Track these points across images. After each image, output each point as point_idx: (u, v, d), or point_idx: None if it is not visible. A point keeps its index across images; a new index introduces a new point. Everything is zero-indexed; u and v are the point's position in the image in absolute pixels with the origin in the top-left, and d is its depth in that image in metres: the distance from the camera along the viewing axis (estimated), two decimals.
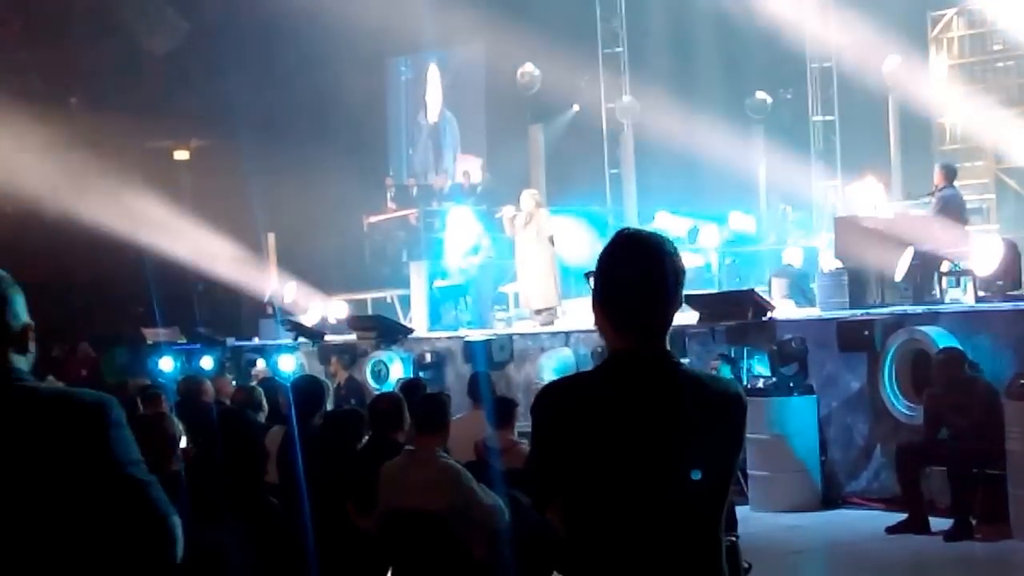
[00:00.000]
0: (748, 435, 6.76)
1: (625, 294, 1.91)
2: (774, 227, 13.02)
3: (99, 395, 1.96)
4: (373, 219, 14.58)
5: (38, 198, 12.88)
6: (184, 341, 12.24)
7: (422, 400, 4.68)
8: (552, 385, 2.02)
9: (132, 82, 14.58)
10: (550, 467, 1.93)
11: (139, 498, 1.91)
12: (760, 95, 14.22)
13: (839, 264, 8.53)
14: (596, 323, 1.96)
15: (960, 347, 6.50)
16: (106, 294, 13.58)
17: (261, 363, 10.97)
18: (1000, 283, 7.37)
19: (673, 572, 1.87)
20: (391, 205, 14.57)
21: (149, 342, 12.30)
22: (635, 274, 1.91)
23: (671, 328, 1.96)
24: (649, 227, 13.81)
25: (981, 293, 7.54)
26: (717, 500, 1.91)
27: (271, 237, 13.83)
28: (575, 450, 1.89)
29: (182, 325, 12.68)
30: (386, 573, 4.38)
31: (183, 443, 4.83)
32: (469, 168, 15.11)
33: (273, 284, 13.24)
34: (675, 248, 1.96)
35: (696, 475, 1.86)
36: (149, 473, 1.95)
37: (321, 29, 13.61)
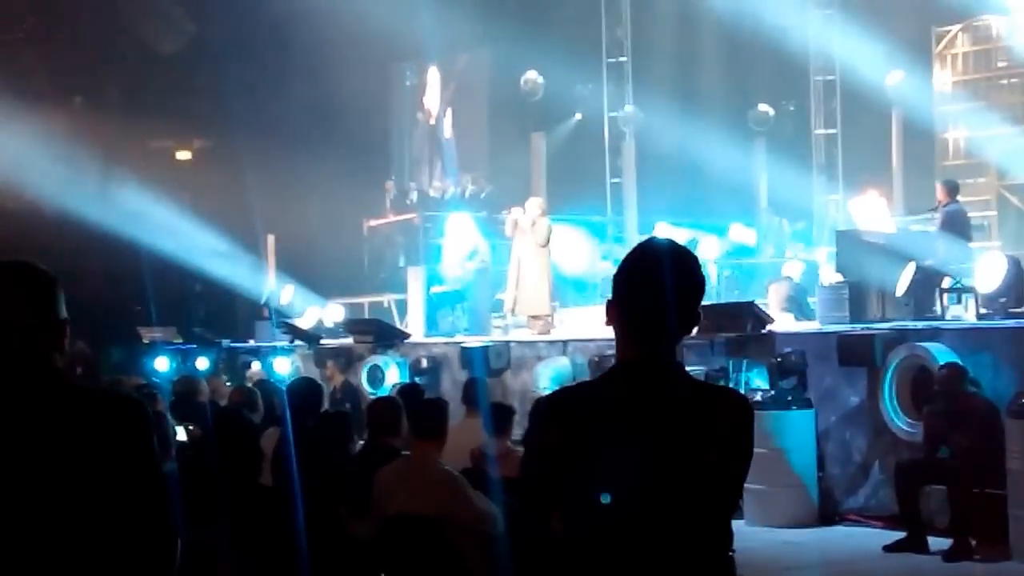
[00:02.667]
0: None
1: (639, 303, 1.91)
2: (772, 239, 13.00)
3: (132, 394, 2.01)
4: (373, 223, 14.55)
5: (40, 194, 12.86)
6: (180, 341, 12.19)
7: (420, 405, 4.63)
8: (555, 393, 2.02)
9: (137, 82, 14.57)
10: (552, 473, 1.92)
11: (159, 504, 1.92)
12: (763, 107, 14.22)
13: (840, 278, 8.50)
14: (608, 325, 1.96)
15: (961, 364, 6.45)
16: (104, 292, 13.54)
17: (256, 365, 10.91)
18: (1002, 300, 7.33)
19: None
20: (390, 209, 14.54)
21: (145, 341, 12.25)
22: (650, 284, 1.91)
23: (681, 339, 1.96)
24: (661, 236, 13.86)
25: (983, 310, 7.50)
26: (722, 508, 1.91)
27: (271, 239, 13.81)
28: (577, 456, 1.89)
29: (179, 325, 12.63)
30: None
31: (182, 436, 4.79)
32: (470, 175, 15.10)
33: (271, 286, 13.20)
34: (696, 261, 1.96)
35: (699, 482, 1.85)
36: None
37: (327, 33, 13.62)
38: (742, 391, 7.48)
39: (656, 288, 1.89)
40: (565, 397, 1.99)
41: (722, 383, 7.57)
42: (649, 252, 1.94)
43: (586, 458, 1.88)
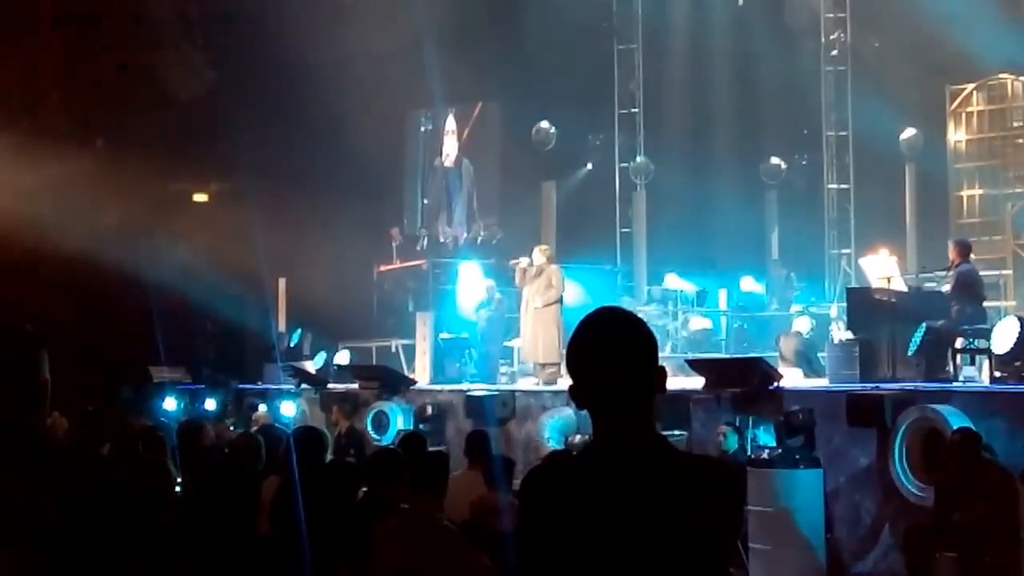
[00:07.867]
0: (751, 507, 6.46)
1: (594, 380, 1.88)
2: (778, 293, 12.94)
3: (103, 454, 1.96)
4: (384, 268, 14.58)
5: (61, 233, 12.99)
6: (189, 382, 12.18)
7: (421, 458, 4.58)
8: (535, 471, 1.98)
9: (157, 126, 14.77)
10: (537, 556, 1.88)
11: None
12: (775, 160, 14.24)
13: (850, 335, 8.42)
14: (580, 409, 1.94)
15: (974, 428, 6.34)
16: (118, 330, 13.60)
17: (263, 408, 10.87)
18: (1017, 364, 7.23)
19: None
20: (397, 256, 14.59)
21: (155, 381, 12.25)
22: (599, 358, 1.87)
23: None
24: (659, 288, 13.71)
25: (997, 373, 7.40)
26: None
27: (282, 282, 13.85)
28: (561, 538, 1.85)
29: (189, 365, 12.64)
30: None
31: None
32: (481, 222, 15.16)
33: (281, 328, 13.22)
34: (638, 321, 1.92)
35: (681, 560, 1.80)
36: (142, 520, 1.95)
37: (344, 81, 13.80)
38: (748, 448, 7.38)
39: (607, 361, 1.86)
40: (540, 478, 1.94)
41: (737, 438, 7.47)
42: (592, 326, 1.90)
43: (565, 540, 1.84)
